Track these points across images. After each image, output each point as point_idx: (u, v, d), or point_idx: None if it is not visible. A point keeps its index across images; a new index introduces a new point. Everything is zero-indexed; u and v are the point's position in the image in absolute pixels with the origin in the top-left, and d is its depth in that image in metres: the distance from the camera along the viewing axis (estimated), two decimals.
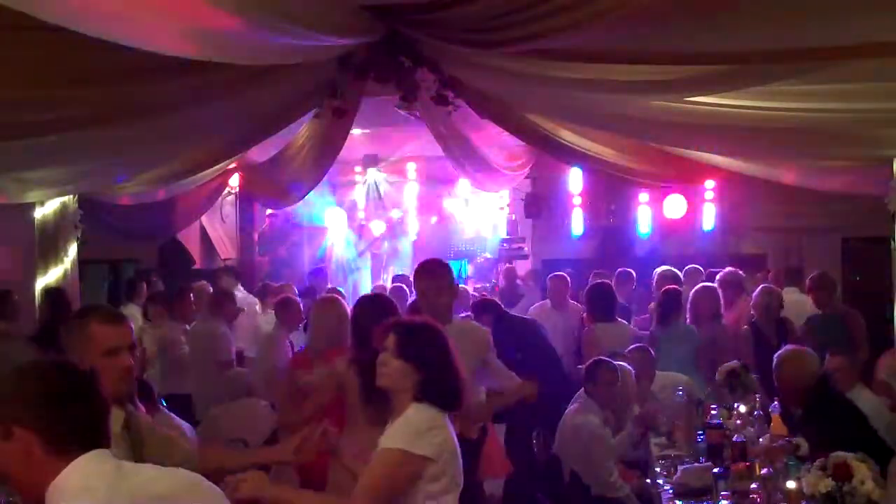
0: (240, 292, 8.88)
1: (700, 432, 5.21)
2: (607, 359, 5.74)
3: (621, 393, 5.67)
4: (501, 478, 6.42)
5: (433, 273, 4.62)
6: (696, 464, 4.90)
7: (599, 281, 7.60)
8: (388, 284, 10.03)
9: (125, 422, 2.90)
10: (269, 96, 5.84)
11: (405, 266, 11.99)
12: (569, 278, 8.24)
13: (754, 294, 6.96)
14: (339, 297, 5.90)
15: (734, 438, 4.86)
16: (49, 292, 7.26)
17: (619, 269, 8.80)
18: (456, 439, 3.08)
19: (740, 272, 7.89)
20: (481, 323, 6.94)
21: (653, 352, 6.25)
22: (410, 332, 3.17)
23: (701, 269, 8.32)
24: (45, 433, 2.05)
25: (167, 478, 2.20)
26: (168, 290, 8.84)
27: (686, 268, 8.33)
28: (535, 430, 5.94)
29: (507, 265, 10.63)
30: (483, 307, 7.04)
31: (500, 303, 7.34)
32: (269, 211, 12.09)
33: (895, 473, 3.77)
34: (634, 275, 8.74)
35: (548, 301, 8.25)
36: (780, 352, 5.03)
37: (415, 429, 2.97)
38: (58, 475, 2.04)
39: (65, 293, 7.21)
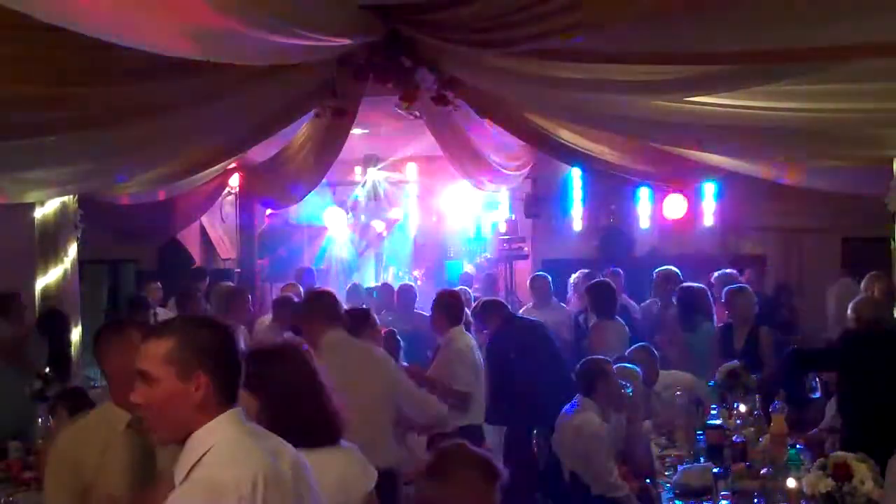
0: None
1: (700, 432, 5.21)
2: (597, 356, 5.74)
3: (626, 395, 5.66)
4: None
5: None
6: (696, 464, 4.90)
7: (600, 279, 7.61)
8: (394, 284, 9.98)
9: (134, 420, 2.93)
10: (269, 96, 5.84)
11: (405, 266, 12.00)
12: (549, 277, 8.26)
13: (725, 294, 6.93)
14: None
15: (734, 438, 4.86)
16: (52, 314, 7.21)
17: (611, 269, 8.83)
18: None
19: (735, 273, 7.91)
20: (486, 325, 6.98)
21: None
22: (255, 361, 2.87)
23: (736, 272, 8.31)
24: (219, 383, 2.28)
25: (289, 447, 2.43)
26: (169, 290, 8.86)
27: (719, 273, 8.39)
28: (534, 430, 5.95)
29: (487, 273, 10.56)
30: (486, 308, 7.03)
31: (505, 304, 7.34)
32: (268, 211, 12.09)
33: (894, 472, 3.77)
34: (622, 274, 8.75)
35: (531, 302, 8.32)
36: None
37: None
38: (205, 425, 2.25)
39: (65, 318, 7.17)
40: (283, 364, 2.97)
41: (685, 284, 7.40)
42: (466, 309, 6.72)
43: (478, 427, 6.00)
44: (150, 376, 2.26)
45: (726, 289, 6.90)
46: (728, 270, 7.92)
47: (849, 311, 5.58)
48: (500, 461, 6.45)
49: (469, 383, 5.82)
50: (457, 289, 7.59)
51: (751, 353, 6.33)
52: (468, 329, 6.46)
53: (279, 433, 2.62)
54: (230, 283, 8.36)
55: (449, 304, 6.11)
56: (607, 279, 7.75)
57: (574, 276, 8.70)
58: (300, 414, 2.85)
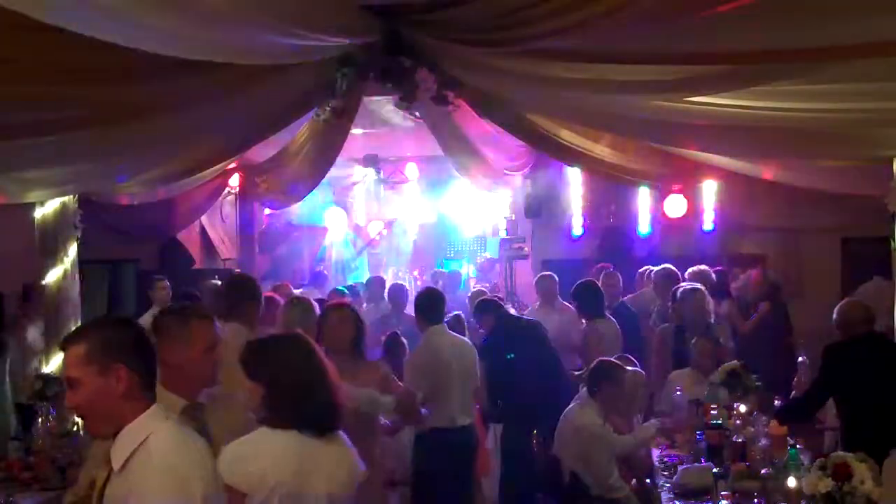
0: None
1: (700, 432, 5.21)
2: (614, 360, 5.74)
3: (629, 396, 5.66)
4: (487, 474, 6.44)
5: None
6: (696, 464, 4.90)
7: (585, 279, 7.61)
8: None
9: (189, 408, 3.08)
10: (269, 96, 5.83)
11: (405, 266, 12.00)
12: (556, 278, 8.23)
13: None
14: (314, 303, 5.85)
15: (734, 438, 4.86)
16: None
17: (600, 266, 8.83)
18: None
19: (707, 269, 7.90)
20: (481, 323, 6.97)
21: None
22: (261, 350, 3.06)
23: None
24: (139, 372, 2.46)
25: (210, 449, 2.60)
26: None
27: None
28: (533, 430, 5.95)
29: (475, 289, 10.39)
30: (481, 307, 7.05)
31: (501, 303, 7.34)
32: (268, 211, 12.09)
33: (893, 472, 3.77)
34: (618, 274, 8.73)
35: (537, 302, 8.28)
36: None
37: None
38: (137, 417, 2.44)
39: None
40: (289, 351, 3.04)
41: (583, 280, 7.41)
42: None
43: (462, 428, 5.91)
44: (75, 380, 2.46)
45: (681, 290, 6.82)
46: (701, 267, 7.88)
47: (834, 317, 5.51)
48: (498, 461, 6.49)
49: (420, 385, 5.49)
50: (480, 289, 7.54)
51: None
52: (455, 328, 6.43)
53: (286, 419, 2.85)
54: (217, 282, 8.31)
55: (423, 304, 6.06)
56: (591, 279, 7.75)
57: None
58: (309, 401, 2.93)
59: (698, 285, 6.88)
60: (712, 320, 6.71)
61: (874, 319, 5.45)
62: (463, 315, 7.27)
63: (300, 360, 3.01)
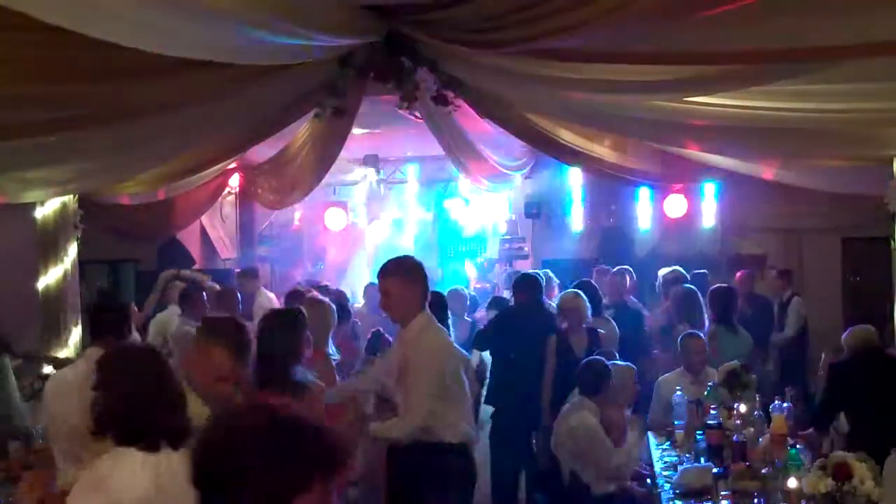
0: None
1: (700, 432, 5.21)
2: (602, 358, 5.75)
3: (619, 392, 5.66)
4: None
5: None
6: (696, 464, 4.90)
7: (582, 280, 7.61)
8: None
9: None
10: (269, 96, 5.83)
11: None
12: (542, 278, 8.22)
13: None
14: (324, 300, 5.83)
15: (734, 438, 4.86)
16: None
17: (598, 268, 8.84)
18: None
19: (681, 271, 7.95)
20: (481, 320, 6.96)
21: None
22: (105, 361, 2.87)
23: None
24: None
25: None
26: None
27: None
28: (533, 430, 5.97)
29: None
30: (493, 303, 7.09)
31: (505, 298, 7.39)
32: (269, 211, 12.08)
33: (892, 472, 3.77)
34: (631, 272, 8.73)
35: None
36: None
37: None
38: None
39: None
40: (130, 365, 2.88)
41: (718, 285, 7.34)
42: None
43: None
44: None
45: (562, 297, 6.94)
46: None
47: (844, 338, 5.66)
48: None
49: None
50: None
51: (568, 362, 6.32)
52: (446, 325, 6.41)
53: (121, 432, 2.66)
54: (215, 284, 8.31)
55: None
56: (590, 279, 7.76)
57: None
58: (144, 416, 2.73)
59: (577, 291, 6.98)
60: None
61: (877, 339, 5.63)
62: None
63: (137, 374, 2.83)
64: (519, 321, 6.72)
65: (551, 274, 8.53)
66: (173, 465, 2.64)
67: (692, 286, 7.34)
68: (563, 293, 7.14)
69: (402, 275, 4.48)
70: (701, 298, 7.07)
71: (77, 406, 3.27)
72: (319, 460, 1.77)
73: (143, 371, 2.81)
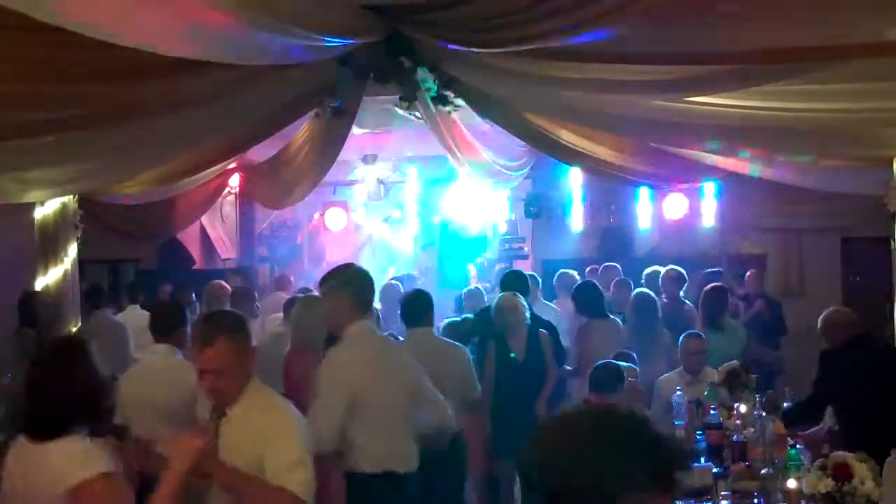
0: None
1: (700, 432, 5.21)
2: (611, 360, 5.72)
3: (627, 395, 5.64)
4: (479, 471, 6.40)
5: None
6: (696, 464, 4.89)
7: (584, 280, 7.60)
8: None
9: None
10: (269, 96, 5.84)
11: (404, 266, 11.98)
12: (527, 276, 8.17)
13: None
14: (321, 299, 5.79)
15: (734, 438, 4.86)
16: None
17: (593, 267, 8.85)
18: None
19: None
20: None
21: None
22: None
23: None
24: None
25: None
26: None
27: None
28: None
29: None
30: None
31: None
32: (269, 211, 12.08)
33: (893, 472, 3.77)
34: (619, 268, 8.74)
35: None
36: None
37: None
38: None
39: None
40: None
41: (713, 284, 7.37)
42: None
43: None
44: None
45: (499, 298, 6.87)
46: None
47: (819, 326, 5.50)
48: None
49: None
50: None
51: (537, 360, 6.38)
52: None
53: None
54: (222, 283, 8.24)
55: (402, 306, 5.88)
56: (592, 280, 7.77)
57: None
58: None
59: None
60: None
61: (858, 322, 5.44)
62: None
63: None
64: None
65: (536, 276, 8.54)
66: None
67: (720, 284, 7.44)
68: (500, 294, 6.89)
69: (329, 284, 4.27)
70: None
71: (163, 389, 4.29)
72: None
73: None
